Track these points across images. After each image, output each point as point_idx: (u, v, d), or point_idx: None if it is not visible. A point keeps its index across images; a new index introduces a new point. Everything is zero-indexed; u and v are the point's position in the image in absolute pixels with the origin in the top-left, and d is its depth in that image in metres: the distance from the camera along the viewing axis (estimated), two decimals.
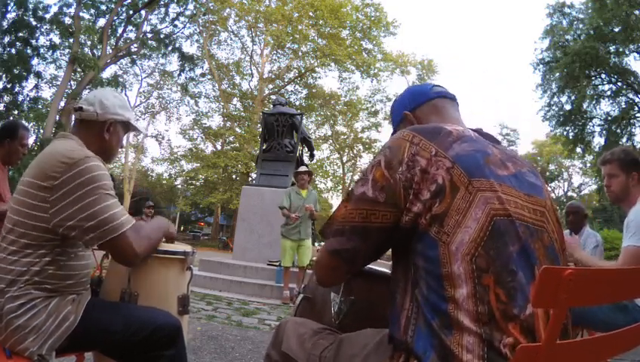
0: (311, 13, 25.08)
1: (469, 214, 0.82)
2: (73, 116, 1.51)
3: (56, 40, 21.24)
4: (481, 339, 0.76)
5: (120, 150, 1.62)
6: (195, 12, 24.91)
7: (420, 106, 1.13)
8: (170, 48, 25.14)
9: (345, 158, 33.45)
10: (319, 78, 30.70)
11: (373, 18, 26.48)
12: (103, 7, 21.67)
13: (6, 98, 19.84)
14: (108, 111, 1.47)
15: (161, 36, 24.45)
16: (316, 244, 7.34)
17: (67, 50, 21.09)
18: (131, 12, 22.46)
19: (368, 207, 0.88)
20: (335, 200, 36.14)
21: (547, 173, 39.06)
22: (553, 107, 23.09)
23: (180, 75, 27.73)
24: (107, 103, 1.48)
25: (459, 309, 0.78)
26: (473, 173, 0.85)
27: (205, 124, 29.45)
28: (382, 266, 1.27)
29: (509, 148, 1.01)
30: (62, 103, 19.54)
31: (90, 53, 21.19)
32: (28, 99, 20.93)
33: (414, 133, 0.91)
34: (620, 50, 20.19)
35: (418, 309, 0.83)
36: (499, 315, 0.77)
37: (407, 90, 1.21)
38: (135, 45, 23.91)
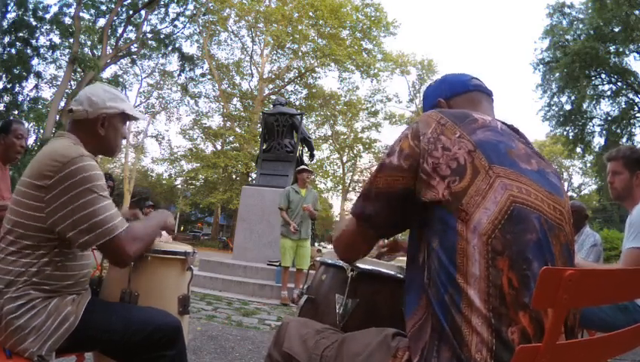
0: (311, 13, 25.07)
1: (488, 196, 0.84)
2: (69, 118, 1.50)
3: (57, 40, 21.30)
4: (490, 324, 0.76)
5: (122, 141, 1.58)
6: (195, 12, 24.91)
7: (457, 96, 1.13)
8: (170, 48, 25.18)
9: (345, 158, 33.45)
10: (319, 78, 30.74)
11: (373, 18, 26.47)
12: (103, 7, 21.69)
13: (6, 98, 19.85)
14: (98, 107, 1.44)
15: (161, 36, 24.45)
16: (316, 245, 7.33)
17: (67, 50, 21.11)
18: (131, 12, 22.46)
19: (393, 173, 0.93)
20: (335, 200, 36.16)
21: None
22: (553, 107, 23.12)
23: (180, 75, 27.78)
24: (96, 99, 1.45)
25: (470, 288, 0.79)
26: (494, 160, 0.87)
27: (205, 124, 29.48)
28: (385, 267, 1.27)
29: (535, 148, 1.01)
30: (62, 103, 19.53)
31: (90, 53, 21.20)
32: (28, 99, 20.98)
33: (442, 115, 0.95)
34: (620, 50, 20.21)
35: (431, 284, 0.85)
36: (509, 301, 0.78)
37: (444, 78, 1.20)
38: (135, 45, 23.91)
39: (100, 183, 1.30)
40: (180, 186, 35.23)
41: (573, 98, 21.98)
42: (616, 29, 19.35)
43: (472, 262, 0.80)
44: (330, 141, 32.00)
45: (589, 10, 20.22)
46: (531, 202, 0.86)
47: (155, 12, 23.69)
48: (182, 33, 25.66)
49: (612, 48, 20.43)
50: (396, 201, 0.93)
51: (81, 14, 20.45)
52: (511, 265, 0.80)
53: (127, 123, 1.59)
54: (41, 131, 18.87)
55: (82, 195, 1.26)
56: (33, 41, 20.02)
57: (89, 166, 1.30)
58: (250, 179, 24.82)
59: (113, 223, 1.28)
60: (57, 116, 18.96)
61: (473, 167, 0.86)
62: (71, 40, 20.42)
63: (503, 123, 1.00)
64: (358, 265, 1.24)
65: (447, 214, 0.85)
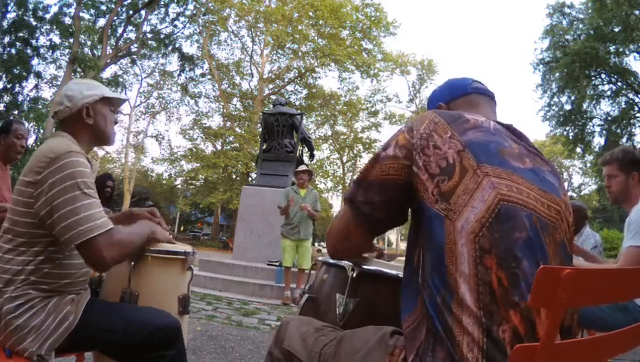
0: (311, 13, 25.05)
1: (475, 195, 0.84)
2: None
3: (57, 40, 21.26)
4: (480, 323, 0.77)
5: (114, 127, 1.58)
6: (195, 12, 24.91)
7: (456, 100, 1.15)
8: (170, 48, 25.17)
9: (345, 158, 33.45)
10: (319, 78, 30.74)
11: (373, 18, 26.46)
12: (103, 7, 21.68)
13: (6, 98, 19.84)
14: (76, 99, 1.46)
15: (161, 36, 24.45)
16: (316, 245, 7.33)
17: (67, 50, 21.09)
18: (131, 12, 22.45)
19: (388, 162, 0.94)
20: (335, 200, 36.17)
21: None
22: (553, 107, 23.13)
23: (180, 75, 27.78)
24: (72, 93, 1.47)
25: (460, 287, 0.79)
26: (483, 160, 0.87)
27: (205, 124, 29.45)
28: (385, 267, 1.27)
29: (534, 147, 1.01)
30: None
31: (90, 53, 21.19)
32: (28, 99, 20.94)
33: (436, 115, 0.97)
34: (620, 50, 20.21)
35: (425, 286, 0.85)
36: (499, 299, 0.78)
37: (446, 83, 1.22)
38: (135, 45, 23.91)
39: (86, 180, 1.28)
40: (180, 186, 35.22)
41: (573, 98, 21.98)
42: (616, 29, 19.35)
43: (461, 261, 0.80)
44: (330, 141, 32.00)
45: (589, 10, 20.22)
46: (522, 200, 0.86)
47: (155, 12, 23.69)
48: (182, 33, 25.69)
49: (612, 48, 20.43)
50: (388, 189, 0.94)
51: (81, 14, 20.45)
52: (499, 263, 0.80)
53: (113, 107, 1.59)
54: (41, 131, 18.85)
55: (67, 191, 1.24)
56: (33, 41, 20.01)
57: (77, 162, 1.29)
58: (250, 179, 24.81)
59: (91, 224, 1.23)
60: None
61: (461, 167, 0.86)
62: (71, 40, 20.40)
63: (499, 123, 1.00)
64: (358, 264, 1.24)
65: (436, 214, 0.85)
